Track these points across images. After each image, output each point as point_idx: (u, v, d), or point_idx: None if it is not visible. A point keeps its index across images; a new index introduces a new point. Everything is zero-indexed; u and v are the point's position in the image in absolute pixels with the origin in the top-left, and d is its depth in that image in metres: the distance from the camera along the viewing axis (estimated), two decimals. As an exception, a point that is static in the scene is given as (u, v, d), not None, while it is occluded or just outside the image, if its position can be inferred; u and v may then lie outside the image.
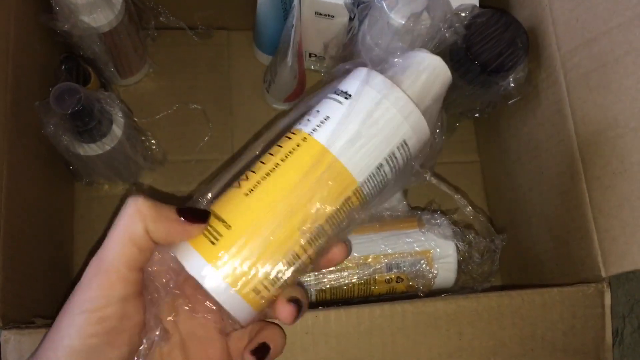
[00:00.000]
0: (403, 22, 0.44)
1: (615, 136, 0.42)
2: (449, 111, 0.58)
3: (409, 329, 0.41)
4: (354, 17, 0.50)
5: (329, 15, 0.53)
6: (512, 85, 0.49)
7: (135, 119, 0.60)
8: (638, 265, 0.41)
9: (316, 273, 0.46)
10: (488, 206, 0.63)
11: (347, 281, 0.46)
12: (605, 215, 0.43)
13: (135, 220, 0.29)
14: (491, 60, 0.48)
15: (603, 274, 0.43)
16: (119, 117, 0.49)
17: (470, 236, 0.47)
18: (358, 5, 0.48)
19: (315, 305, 0.49)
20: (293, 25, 0.49)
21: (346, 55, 0.55)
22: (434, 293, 0.50)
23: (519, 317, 0.42)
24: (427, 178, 0.47)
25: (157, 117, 0.61)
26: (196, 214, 0.30)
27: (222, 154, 0.61)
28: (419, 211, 0.52)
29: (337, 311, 0.41)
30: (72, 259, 0.56)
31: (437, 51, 0.49)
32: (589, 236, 0.44)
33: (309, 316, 0.40)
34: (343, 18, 0.52)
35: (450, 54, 0.50)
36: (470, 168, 0.65)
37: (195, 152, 0.61)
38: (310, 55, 0.61)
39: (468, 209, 0.47)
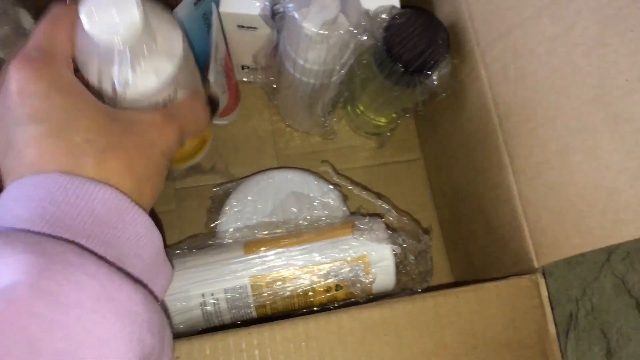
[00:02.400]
0: (316, 30, 0.43)
1: (535, 127, 0.43)
2: (383, 112, 0.58)
3: (347, 338, 0.41)
4: (273, 27, 0.49)
5: (251, 27, 0.53)
6: (436, 82, 0.49)
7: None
8: (567, 254, 0.41)
9: (255, 288, 0.46)
10: (434, 203, 0.63)
11: (285, 294, 0.46)
12: (533, 206, 0.43)
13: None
14: (413, 59, 0.48)
15: (536, 265, 0.43)
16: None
17: (400, 239, 0.47)
18: (275, 16, 0.48)
19: (257, 322, 0.49)
20: (213, 44, 0.49)
21: (273, 65, 0.54)
22: (377, 297, 0.50)
23: (456, 316, 0.42)
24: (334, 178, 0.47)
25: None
26: None
27: (162, 175, 0.60)
28: (353, 216, 0.51)
29: (271, 327, 0.40)
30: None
31: (358, 58, 0.49)
32: (520, 228, 0.44)
33: (242, 334, 0.40)
34: (266, 29, 0.52)
35: (374, 57, 0.50)
36: (414, 166, 0.65)
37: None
38: (242, 67, 0.61)
39: (392, 214, 0.46)
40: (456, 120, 0.53)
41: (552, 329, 0.42)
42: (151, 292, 0.32)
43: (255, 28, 0.53)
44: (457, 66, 0.50)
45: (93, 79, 0.34)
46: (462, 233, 0.56)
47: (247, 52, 0.57)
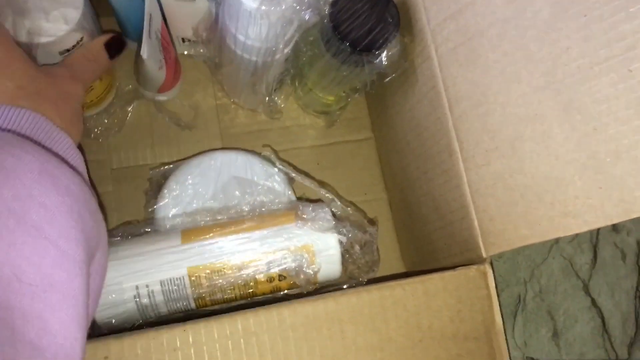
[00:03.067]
0: (256, 5, 0.40)
1: (485, 112, 0.41)
2: (331, 91, 0.55)
3: (287, 333, 0.39)
4: (213, 3, 0.46)
5: (190, -1, 0.49)
6: (385, 62, 0.47)
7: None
8: (515, 245, 0.40)
9: (193, 279, 0.43)
10: (385, 185, 0.62)
11: (226, 285, 0.44)
12: (482, 194, 0.42)
13: None
14: (361, 38, 0.45)
15: (484, 254, 0.42)
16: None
17: (345, 229, 0.45)
18: (214, -11, 0.45)
19: (197, 314, 0.47)
20: (146, 14, 0.45)
21: (214, 39, 0.51)
22: (322, 286, 0.48)
23: (402, 309, 0.41)
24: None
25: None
26: None
27: (97, 155, 0.57)
28: (298, 202, 0.49)
29: (207, 323, 0.38)
30: None
31: (304, 35, 0.46)
32: (469, 216, 0.43)
33: (177, 331, 0.38)
34: (204, 2, 0.49)
35: (320, 34, 0.47)
36: (365, 145, 0.63)
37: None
38: (183, 40, 0.57)
39: (337, 204, 0.45)
40: (406, 101, 0.51)
41: (498, 320, 0.41)
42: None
43: (192, 0, 0.49)
44: (407, 45, 0.48)
45: (10, 30, 0.39)
46: (412, 217, 0.55)
47: (187, 24, 0.54)
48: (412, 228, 0.55)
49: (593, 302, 0.63)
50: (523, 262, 0.64)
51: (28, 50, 0.40)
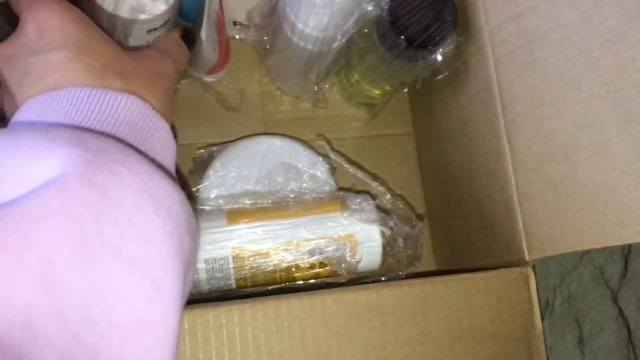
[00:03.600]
0: (320, -5, 0.41)
1: (541, 116, 0.41)
2: (379, 85, 0.56)
3: (330, 320, 0.40)
4: (272, -10, 0.47)
5: (249, -17, 0.49)
6: (440, 59, 0.47)
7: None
8: (561, 250, 0.40)
9: (236, 260, 0.44)
10: (422, 180, 0.62)
11: (268, 268, 0.44)
12: (530, 198, 0.42)
13: None
14: (418, 34, 0.46)
15: (527, 258, 0.43)
16: None
17: (392, 222, 0.45)
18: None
19: (236, 294, 0.47)
20: (208, -4, 0.46)
21: (269, 25, 0.51)
22: (360, 277, 0.49)
23: (444, 305, 0.41)
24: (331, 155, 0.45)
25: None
26: None
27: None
28: (342, 192, 0.50)
29: (253, 303, 0.39)
30: None
31: (360, 27, 0.46)
32: (514, 219, 0.43)
33: (223, 310, 0.38)
34: (263, -13, 0.49)
35: (376, 27, 0.48)
36: (405, 140, 0.63)
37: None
38: (235, 23, 0.58)
39: (387, 197, 0.45)
40: (455, 99, 0.51)
41: (538, 323, 0.41)
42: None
43: (251, -15, 0.50)
44: (462, 44, 0.48)
45: (108, 6, 0.40)
46: (450, 215, 0.55)
47: (242, 7, 0.54)
48: (449, 226, 0.56)
49: (620, 312, 0.63)
50: (554, 268, 0.64)
51: (125, 28, 0.42)
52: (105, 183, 0.25)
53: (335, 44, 0.47)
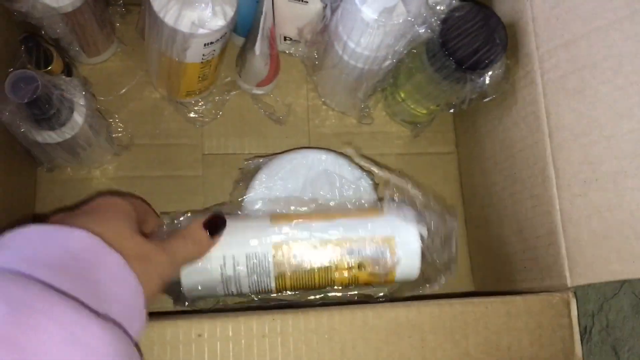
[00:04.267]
0: (375, 16, 0.42)
1: (589, 143, 0.41)
2: (425, 104, 0.56)
3: (370, 335, 0.40)
4: (327, 5, 0.48)
5: (302, 0, 0.51)
6: (488, 82, 0.47)
7: (102, 98, 0.58)
8: (603, 278, 0.41)
9: (277, 257, 0.45)
10: (462, 200, 0.62)
11: (307, 267, 0.45)
12: (574, 224, 0.42)
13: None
14: (467, 56, 0.46)
15: (569, 284, 0.43)
16: (80, 105, 0.47)
17: (428, 217, 0.46)
18: (330, -5, 0.46)
19: (276, 300, 0.48)
20: (263, 13, 0.47)
21: (320, 42, 0.53)
22: (400, 287, 0.49)
23: (483, 326, 0.41)
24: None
25: (121, 92, 0.59)
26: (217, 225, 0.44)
27: (191, 139, 0.59)
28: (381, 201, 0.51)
29: (295, 314, 0.40)
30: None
31: (410, 47, 0.47)
32: (557, 244, 0.43)
33: (266, 319, 0.39)
34: (317, 4, 0.50)
35: (426, 48, 0.48)
36: (447, 159, 0.64)
37: (163, 136, 0.59)
38: (285, 38, 0.59)
39: (417, 191, 0.46)
40: (501, 122, 0.52)
41: (578, 350, 0.41)
42: (126, 333, 0.32)
43: (306, 2, 0.51)
44: (511, 68, 0.48)
45: (169, 20, 0.44)
46: (491, 236, 0.55)
47: (293, 24, 0.55)
48: (489, 247, 0.56)
49: (660, 343, 0.62)
50: (593, 295, 0.63)
51: (184, 42, 0.46)
52: (25, 340, 0.25)
53: (386, 63, 0.48)
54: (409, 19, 0.43)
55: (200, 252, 0.43)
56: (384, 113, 0.63)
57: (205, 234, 0.43)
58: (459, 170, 0.63)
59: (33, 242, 0.31)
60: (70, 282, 0.29)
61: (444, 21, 0.46)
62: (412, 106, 0.58)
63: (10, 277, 0.28)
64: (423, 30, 0.44)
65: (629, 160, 0.39)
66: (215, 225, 0.44)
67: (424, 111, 0.58)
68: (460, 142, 0.63)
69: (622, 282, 0.63)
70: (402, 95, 0.58)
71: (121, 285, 0.33)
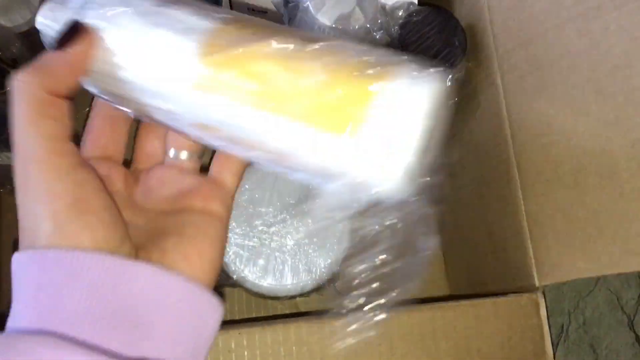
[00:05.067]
0: (330, 24, 0.42)
1: (549, 143, 0.41)
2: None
3: (339, 345, 0.40)
4: (284, 14, 0.47)
5: (261, 10, 0.50)
6: (449, 85, 0.47)
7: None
8: (571, 276, 0.40)
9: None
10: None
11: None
12: (540, 224, 0.42)
13: (28, 95, 0.25)
14: (427, 60, 0.46)
15: (537, 284, 0.42)
16: (38, 123, 0.47)
17: None
18: (287, 4, 0.46)
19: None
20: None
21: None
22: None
23: (452, 330, 0.41)
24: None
25: (85, 110, 0.58)
26: (70, 33, 0.26)
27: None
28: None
29: (262, 328, 0.39)
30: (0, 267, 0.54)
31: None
32: (524, 244, 0.43)
33: (232, 334, 0.39)
34: (276, 15, 0.50)
35: (387, 53, 0.48)
36: (417, 165, 0.63)
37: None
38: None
39: None
40: (465, 125, 0.52)
41: (549, 350, 0.41)
42: None
43: (265, 12, 0.51)
44: (472, 70, 0.48)
45: None
46: (463, 240, 0.55)
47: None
48: (462, 251, 0.56)
49: (637, 338, 0.62)
50: (568, 293, 0.63)
51: None
52: None
53: (346, 71, 0.48)
54: (366, 25, 0.43)
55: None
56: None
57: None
58: (430, 174, 0.63)
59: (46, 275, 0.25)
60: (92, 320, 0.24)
61: (402, 26, 0.46)
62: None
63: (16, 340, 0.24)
64: (379, 36, 0.44)
65: (589, 158, 0.39)
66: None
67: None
68: (429, 147, 0.63)
69: (597, 279, 0.63)
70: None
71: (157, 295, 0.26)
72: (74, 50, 0.26)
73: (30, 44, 0.50)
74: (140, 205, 0.31)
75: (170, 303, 0.26)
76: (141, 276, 0.26)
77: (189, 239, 0.28)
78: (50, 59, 0.26)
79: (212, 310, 0.28)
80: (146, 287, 0.26)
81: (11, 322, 0.25)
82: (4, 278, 0.53)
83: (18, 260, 0.26)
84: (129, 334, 0.25)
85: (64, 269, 0.24)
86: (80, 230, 0.25)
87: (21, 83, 0.25)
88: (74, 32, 0.27)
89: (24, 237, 0.26)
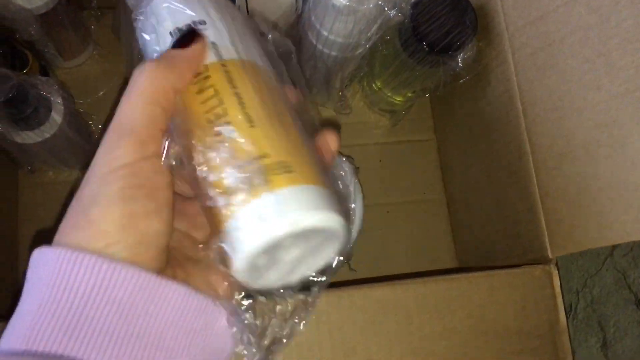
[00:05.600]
0: (346, 2, 0.42)
1: (561, 117, 0.42)
2: (400, 91, 0.57)
3: (357, 315, 0.41)
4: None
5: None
6: (460, 64, 0.48)
7: (80, 101, 0.58)
8: (583, 247, 0.41)
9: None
10: (444, 186, 0.63)
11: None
12: (552, 196, 0.43)
13: (152, 80, 0.27)
14: (439, 40, 0.47)
15: (550, 256, 0.43)
16: (57, 104, 0.47)
17: None
18: (302, -16, 0.47)
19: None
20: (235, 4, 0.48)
21: (294, 33, 0.53)
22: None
23: (468, 301, 0.42)
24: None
25: (100, 94, 0.59)
26: (187, 36, 0.29)
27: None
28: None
29: (284, 300, 0.40)
30: (17, 248, 0.54)
31: (382, 33, 0.48)
32: (537, 217, 0.44)
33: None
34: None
35: (398, 34, 0.49)
36: (427, 146, 0.64)
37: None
38: (261, 34, 0.60)
39: None
40: (476, 103, 0.53)
41: (563, 320, 0.42)
42: None
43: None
44: (482, 49, 0.49)
45: None
46: (472, 217, 0.56)
47: (268, 17, 0.56)
48: (472, 228, 0.57)
49: (644, 316, 0.63)
50: (576, 272, 0.64)
51: None
52: None
53: (359, 51, 0.49)
54: (379, 3, 0.43)
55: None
56: (362, 103, 0.63)
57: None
58: (439, 155, 0.64)
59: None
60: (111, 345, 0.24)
61: (414, 5, 0.47)
62: (388, 94, 0.58)
63: None
64: (393, 14, 0.45)
65: (600, 130, 0.40)
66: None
67: (401, 98, 0.58)
68: (439, 129, 0.64)
69: (605, 258, 0.64)
70: (379, 84, 0.58)
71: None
72: (193, 49, 0.29)
73: (48, 26, 0.50)
74: (188, 214, 0.31)
75: (196, 328, 0.27)
76: (172, 297, 0.26)
77: (215, 271, 0.28)
78: (173, 55, 0.29)
79: (230, 338, 0.29)
80: (174, 309, 0.26)
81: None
82: (20, 261, 0.54)
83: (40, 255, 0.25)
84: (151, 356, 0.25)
85: (92, 279, 0.24)
86: (130, 247, 0.25)
87: (147, 72, 0.28)
88: (191, 35, 0.30)
89: (65, 224, 0.26)
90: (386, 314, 0.41)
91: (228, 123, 0.28)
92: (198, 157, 0.27)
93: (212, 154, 0.27)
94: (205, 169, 0.27)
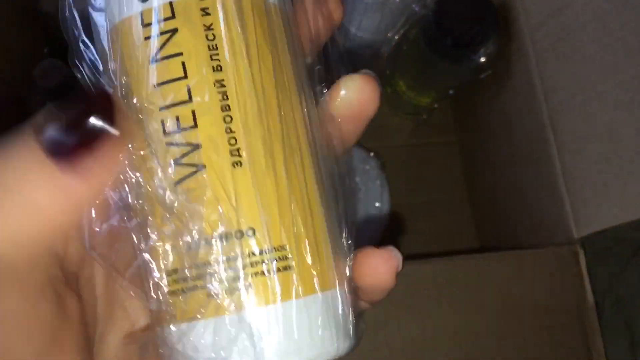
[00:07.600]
0: (375, -4, 0.45)
1: (583, 101, 0.44)
2: (425, 92, 0.59)
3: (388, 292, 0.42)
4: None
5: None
6: (483, 59, 0.50)
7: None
8: (609, 224, 0.42)
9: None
10: (467, 187, 0.65)
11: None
12: (576, 178, 0.44)
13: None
14: (462, 35, 0.49)
15: (575, 235, 0.44)
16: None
17: None
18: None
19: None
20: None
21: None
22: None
23: (496, 278, 0.43)
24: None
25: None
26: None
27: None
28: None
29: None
30: None
31: (407, 26, 0.50)
32: (561, 201, 0.45)
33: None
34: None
35: (422, 31, 0.52)
36: (449, 147, 0.66)
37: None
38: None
39: None
40: (497, 98, 0.55)
41: (590, 297, 0.43)
42: None
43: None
44: (503, 43, 0.51)
45: None
46: (493, 200, 0.57)
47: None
48: (493, 211, 0.58)
49: (670, 316, 0.63)
50: (601, 272, 0.65)
51: None
52: None
53: (385, 48, 0.51)
54: (407, -2, 0.46)
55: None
56: (385, 107, 0.65)
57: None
58: (462, 156, 0.66)
59: None
60: None
61: (438, 1, 0.49)
62: (412, 96, 0.60)
63: None
64: (419, 9, 0.47)
65: (621, 110, 0.41)
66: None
67: (426, 99, 0.60)
68: (461, 129, 0.66)
69: (630, 257, 0.65)
70: (403, 86, 0.60)
71: None
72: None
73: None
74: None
75: None
76: None
77: None
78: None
79: None
80: None
81: None
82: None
83: None
84: None
85: None
86: None
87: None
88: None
89: None
90: (417, 290, 0.42)
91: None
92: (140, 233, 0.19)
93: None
94: (147, 256, 0.19)
